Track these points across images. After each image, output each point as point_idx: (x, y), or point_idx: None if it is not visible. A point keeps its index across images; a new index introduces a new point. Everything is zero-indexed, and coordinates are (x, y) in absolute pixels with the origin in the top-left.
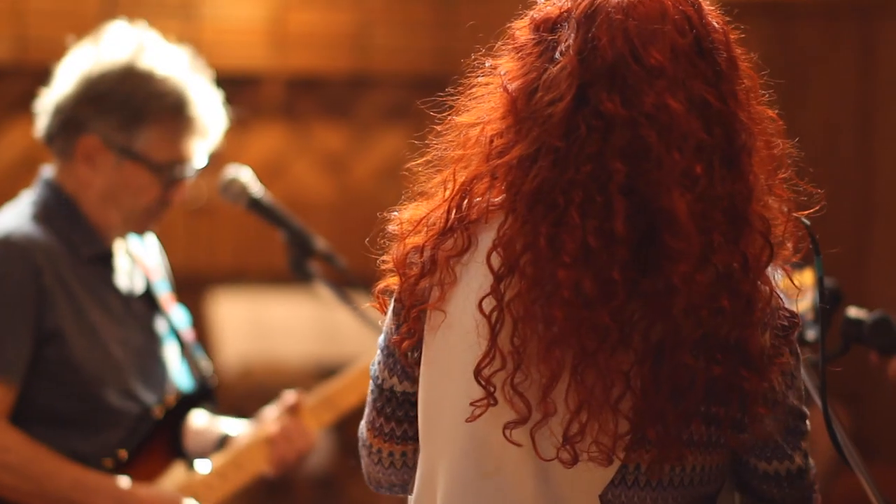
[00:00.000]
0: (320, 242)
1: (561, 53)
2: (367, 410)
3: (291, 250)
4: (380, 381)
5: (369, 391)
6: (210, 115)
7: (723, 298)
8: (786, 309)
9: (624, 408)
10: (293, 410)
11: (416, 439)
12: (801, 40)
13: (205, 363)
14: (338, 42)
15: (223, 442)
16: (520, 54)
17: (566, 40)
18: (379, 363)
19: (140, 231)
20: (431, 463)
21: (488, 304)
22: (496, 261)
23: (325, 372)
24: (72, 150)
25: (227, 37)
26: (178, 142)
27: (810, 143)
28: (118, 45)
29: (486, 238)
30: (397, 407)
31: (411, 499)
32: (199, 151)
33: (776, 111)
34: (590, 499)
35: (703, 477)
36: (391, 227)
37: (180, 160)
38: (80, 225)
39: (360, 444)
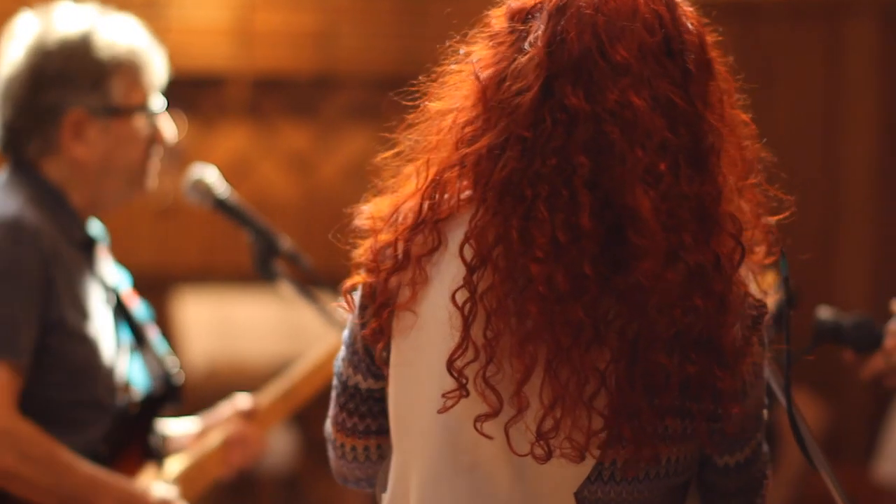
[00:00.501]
0: (286, 242)
1: (530, 44)
2: (331, 406)
3: (257, 250)
4: (344, 378)
5: (333, 387)
6: (151, 49)
7: (696, 297)
8: (754, 298)
9: (598, 405)
10: (248, 415)
11: (380, 433)
12: (767, 41)
13: (171, 360)
14: (303, 42)
15: (165, 443)
16: (493, 42)
17: (536, 31)
18: (343, 360)
19: (143, 186)
20: (405, 461)
21: (461, 296)
22: (469, 252)
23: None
24: (55, 139)
25: (193, 37)
26: (140, 81)
27: (777, 144)
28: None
29: (459, 232)
30: (361, 403)
31: (384, 497)
32: (156, 86)
33: (746, 113)
34: (566, 495)
35: (677, 468)
36: (361, 222)
37: (149, 97)
38: (67, 211)
39: (326, 438)
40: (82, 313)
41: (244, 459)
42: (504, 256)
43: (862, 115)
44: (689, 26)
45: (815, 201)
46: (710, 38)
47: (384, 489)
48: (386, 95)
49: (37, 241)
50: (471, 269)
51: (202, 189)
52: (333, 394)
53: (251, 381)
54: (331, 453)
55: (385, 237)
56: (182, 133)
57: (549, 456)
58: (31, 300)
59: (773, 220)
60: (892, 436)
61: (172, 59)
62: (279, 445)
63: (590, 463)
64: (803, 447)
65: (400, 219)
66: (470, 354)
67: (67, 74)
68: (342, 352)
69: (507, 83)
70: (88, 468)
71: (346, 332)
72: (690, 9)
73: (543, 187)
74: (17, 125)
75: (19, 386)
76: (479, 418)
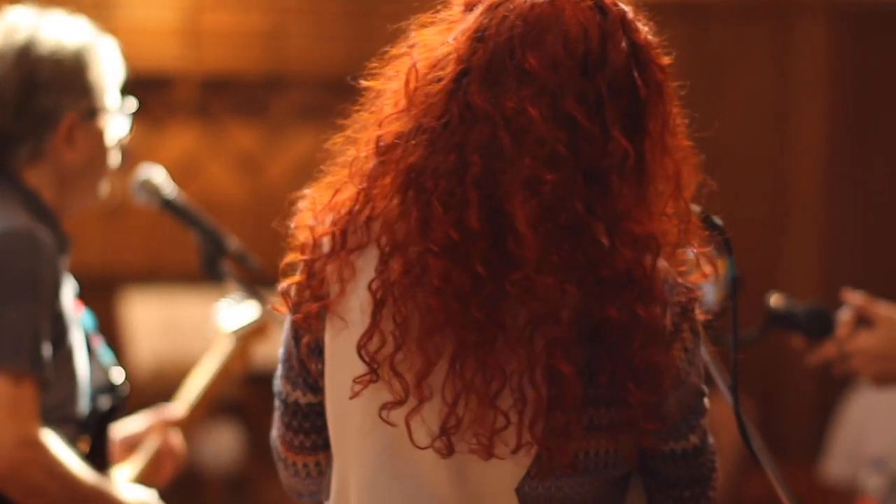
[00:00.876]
0: (233, 242)
1: (454, 37)
2: (275, 424)
3: (204, 250)
4: (283, 396)
5: (275, 405)
6: (118, 51)
7: (608, 308)
8: (683, 284)
9: (503, 404)
10: (176, 424)
11: (327, 447)
12: (717, 42)
13: (116, 371)
14: (251, 42)
15: None
16: (439, 28)
17: (467, 23)
18: (280, 377)
19: (105, 190)
20: (344, 469)
21: (375, 283)
22: (384, 240)
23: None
24: (46, 145)
25: (141, 37)
26: (114, 83)
27: (726, 144)
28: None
29: (379, 221)
30: (304, 419)
31: None
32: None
33: (692, 112)
34: (507, 492)
35: (616, 460)
36: (300, 213)
37: (121, 99)
38: (52, 220)
39: (275, 456)
40: (73, 322)
41: (173, 470)
42: (411, 245)
43: (811, 113)
44: (623, 46)
45: (764, 200)
46: (657, 61)
47: (327, 497)
48: (334, 96)
49: (49, 255)
50: (384, 257)
51: (150, 189)
52: (276, 413)
53: None
54: (281, 470)
55: (321, 229)
56: (130, 133)
57: (450, 451)
58: (48, 315)
59: (706, 240)
60: (840, 435)
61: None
62: (226, 445)
63: (529, 458)
64: (749, 444)
65: (336, 209)
66: (377, 341)
67: (61, 79)
68: (279, 369)
69: (429, 71)
70: (96, 479)
71: (281, 350)
72: (640, 32)
73: (441, 182)
74: (8, 131)
75: (41, 401)
76: (386, 406)
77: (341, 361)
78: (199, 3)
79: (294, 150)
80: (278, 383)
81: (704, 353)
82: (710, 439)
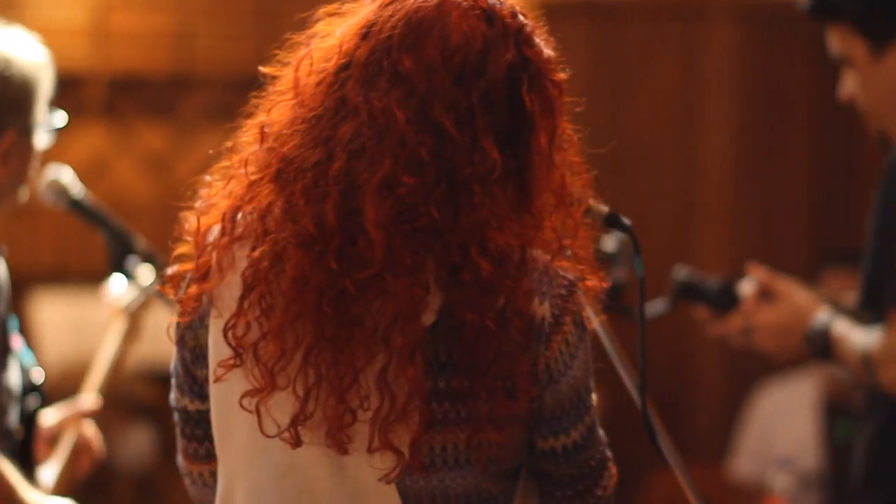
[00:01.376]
0: (141, 242)
1: (342, 30)
2: (177, 436)
3: (112, 250)
4: (175, 404)
5: (174, 418)
6: (50, 63)
7: (468, 313)
8: (564, 277)
9: (353, 400)
10: (89, 415)
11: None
12: (625, 42)
13: (37, 371)
14: (160, 42)
15: None
16: (340, 19)
17: (358, 16)
18: (173, 387)
19: (25, 196)
20: (229, 474)
21: (247, 271)
22: (258, 228)
23: (146, 372)
24: None
25: (49, 37)
26: (47, 97)
27: (636, 141)
28: None
29: (258, 210)
30: (195, 426)
31: None
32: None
33: (602, 111)
34: (389, 490)
35: (500, 454)
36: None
37: (52, 112)
38: None
39: (181, 472)
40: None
41: (91, 462)
42: (277, 237)
43: (718, 111)
44: (506, 59)
45: (671, 199)
46: (551, 76)
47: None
48: (243, 97)
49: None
50: (254, 245)
51: (57, 189)
52: (177, 426)
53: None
54: (186, 483)
55: (207, 220)
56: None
57: (298, 443)
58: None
59: (590, 251)
60: (748, 434)
61: None
62: (137, 446)
63: (421, 453)
64: (655, 442)
65: (226, 197)
66: (242, 326)
67: (7, 98)
68: (172, 381)
69: (318, 63)
70: (29, 493)
71: (171, 363)
72: (535, 46)
73: (307, 175)
74: None
75: None
76: (247, 394)
77: (217, 353)
78: (108, 4)
79: (202, 151)
80: (172, 395)
81: (611, 351)
82: (600, 434)
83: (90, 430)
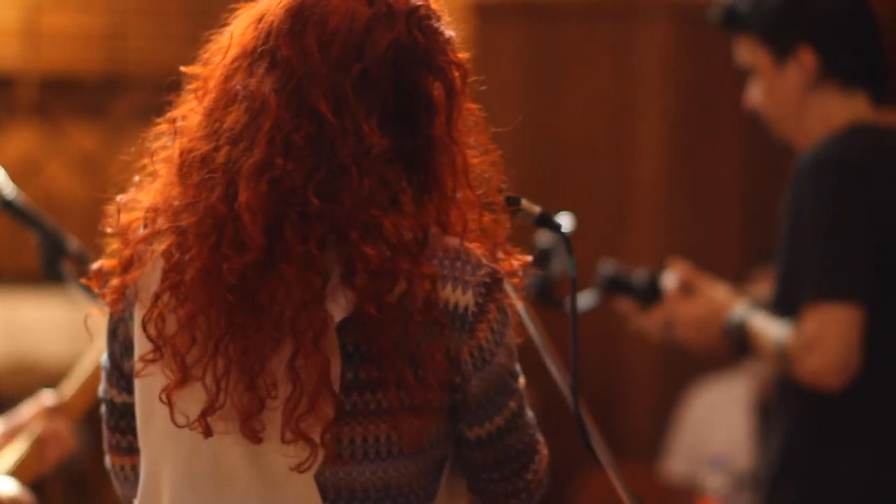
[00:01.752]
0: (73, 243)
1: (241, 18)
2: (103, 428)
3: (44, 251)
4: (102, 395)
5: (101, 410)
6: None
7: (367, 301)
8: (488, 266)
9: (261, 389)
10: (55, 410)
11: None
12: (558, 41)
13: None
14: (91, 43)
15: None
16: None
17: (257, 6)
18: (102, 379)
19: None
20: (151, 465)
21: (165, 264)
22: (173, 221)
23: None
24: None
25: None
26: None
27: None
28: None
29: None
30: (120, 418)
31: (135, 502)
32: None
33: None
34: (306, 479)
35: (424, 443)
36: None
37: None
38: None
39: (106, 465)
40: None
41: (59, 454)
42: (183, 227)
43: (651, 113)
44: (388, 40)
45: (604, 200)
46: (447, 56)
47: (136, 494)
48: (175, 96)
49: None
50: (166, 235)
51: None
52: (104, 418)
53: (41, 382)
54: (113, 479)
55: (129, 216)
56: None
57: (209, 433)
58: None
59: (499, 226)
60: (681, 434)
61: None
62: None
63: (332, 444)
64: (587, 443)
65: (150, 192)
66: (158, 319)
67: None
68: (103, 373)
69: (218, 54)
70: None
71: (104, 354)
72: (429, 26)
73: (201, 166)
74: None
75: None
76: (165, 388)
77: (140, 347)
78: (39, 4)
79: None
80: (101, 386)
81: (543, 348)
82: (528, 417)
83: (60, 423)
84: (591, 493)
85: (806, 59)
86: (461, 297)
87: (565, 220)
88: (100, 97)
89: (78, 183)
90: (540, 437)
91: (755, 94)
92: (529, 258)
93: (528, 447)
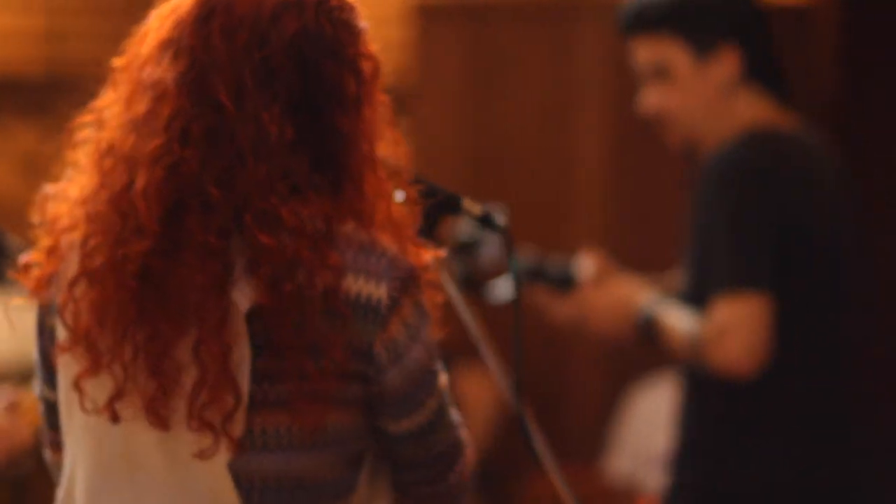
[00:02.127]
0: (16, 242)
1: (161, 10)
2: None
3: None
4: (39, 394)
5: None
6: None
7: (263, 290)
8: (405, 261)
9: (166, 372)
10: (10, 408)
11: None
12: (498, 42)
13: None
14: (32, 43)
15: None
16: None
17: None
18: (37, 377)
19: None
20: (72, 457)
21: (80, 253)
22: (81, 211)
23: (24, 372)
24: None
25: None
26: None
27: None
28: None
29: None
30: (51, 414)
31: (58, 492)
32: None
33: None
34: (220, 469)
35: (336, 436)
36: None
37: None
38: None
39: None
40: None
41: (8, 452)
42: (95, 215)
43: (590, 113)
44: (294, 29)
45: (544, 199)
46: (357, 46)
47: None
48: None
49: None
50: (81, 225)
51: None
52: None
53: None
54: (53, 475)
55: (56, 208)
56: None
57: (115, 419)
58: None
59: (409, 219)
60: (624, 433)
61: None
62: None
63: (236, 433)
64: (529, 444)
65: (76, 187)
66: (72, 308)
67: None
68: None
69: (136, 47)
70: None
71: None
72: (340, 18)
73: (109, 157)
74: None
75: None
76: (76, 376)
77: (59, 337)
78: None
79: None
80: (36, 381)
81: (483, 348)
82: (452, 416)
83: (9, 420)
84: (534, 494)
85: (730, 58)
86: (374, 290)
87: (501, 216)
88: (42, 97)
89: (20, 183)
90: (465, 439)
91: (659, 97)
92: (442, 252)
93: (452, 448)
